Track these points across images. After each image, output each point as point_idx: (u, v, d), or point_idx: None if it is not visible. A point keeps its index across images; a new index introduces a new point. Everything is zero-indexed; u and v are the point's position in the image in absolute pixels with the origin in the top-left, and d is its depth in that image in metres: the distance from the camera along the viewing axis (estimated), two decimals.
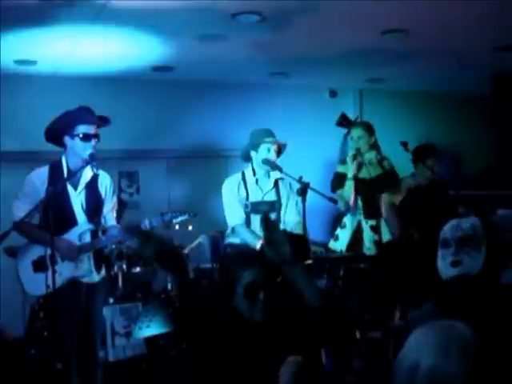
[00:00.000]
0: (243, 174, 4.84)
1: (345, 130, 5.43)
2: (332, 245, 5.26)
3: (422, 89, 7.56)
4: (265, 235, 2.57)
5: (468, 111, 8.00)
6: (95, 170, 4.04)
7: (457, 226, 2.38)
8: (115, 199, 4.20)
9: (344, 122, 5.37)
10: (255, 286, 2.62)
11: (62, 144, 3.95)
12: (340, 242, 5.22)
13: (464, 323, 1.45)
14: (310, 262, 2.75)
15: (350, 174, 5.12)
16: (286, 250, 2.43)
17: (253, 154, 4.78)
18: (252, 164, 4.82)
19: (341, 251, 5.11)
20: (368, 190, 5.18)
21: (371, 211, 5.20)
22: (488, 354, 1.40)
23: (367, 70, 6.45)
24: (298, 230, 4.80)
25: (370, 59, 5.84)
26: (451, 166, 7.73)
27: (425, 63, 6.11)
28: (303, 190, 4.19)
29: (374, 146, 5.24)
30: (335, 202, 4.50)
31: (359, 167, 5.17)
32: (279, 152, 4.82)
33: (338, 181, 5.26)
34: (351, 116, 7.56)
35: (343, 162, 5.26)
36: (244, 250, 4.47)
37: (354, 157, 5.11)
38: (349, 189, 5.13)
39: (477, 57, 5.85)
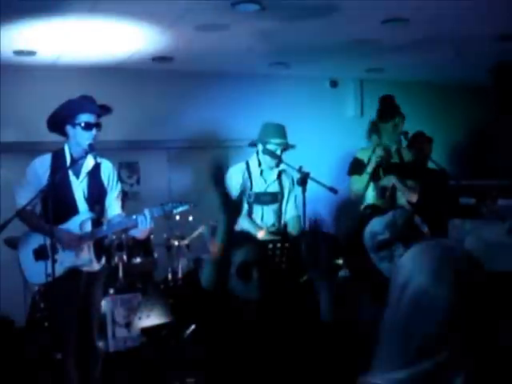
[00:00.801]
0: (247, 164, 4.85)
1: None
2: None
3: (423, 79, 7.54)
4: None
5: (469, 101, 7.98)
6: (97, 159, 4.05)
7: None
8: (119, 187, 4.20)
9: (391, 109, 5.25)
10: (248, 264, 2.61)
11: (64, 133, 3.96)
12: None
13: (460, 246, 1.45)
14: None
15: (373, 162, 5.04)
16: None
17: (260, 147, 4.78)
18: (258, 155, 4.82)
19: None
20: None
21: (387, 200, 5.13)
22: (481, 282, 1.38)
23: (367, 59, 6.43)
24: (294, 224, 4.82)
25: (371, 49, 5.81)
26: (452, 156, 7.73)
27: (425, 53, 6.08)
28: (303, 180, 4.20)
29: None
30: (335, 191, 4.48)
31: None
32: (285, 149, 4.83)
33: (358, 166, 5.17)
34: (352, 106, 7.61)
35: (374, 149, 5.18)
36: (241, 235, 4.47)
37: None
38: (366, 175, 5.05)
39: (478, 46, 5.81)
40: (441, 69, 6.95)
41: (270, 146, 4.72)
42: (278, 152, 4.73)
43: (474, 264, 1.41)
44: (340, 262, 2.90)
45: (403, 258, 1.47)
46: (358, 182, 5.09)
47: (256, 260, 2.64)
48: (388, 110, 5.21)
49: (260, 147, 4.78)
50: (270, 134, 4.77)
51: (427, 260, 1.40)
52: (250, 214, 4.79)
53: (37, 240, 3.89)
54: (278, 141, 4.73)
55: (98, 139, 3.96)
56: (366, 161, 5.14)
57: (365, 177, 5.05)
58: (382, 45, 5.64)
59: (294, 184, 4.88)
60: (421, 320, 1.35)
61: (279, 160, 4.68)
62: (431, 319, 1.34)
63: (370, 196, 5.11)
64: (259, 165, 4.82)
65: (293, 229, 4.82)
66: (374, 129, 5.25)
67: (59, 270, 3.78)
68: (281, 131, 4.81)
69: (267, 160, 4.75)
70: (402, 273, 1.43)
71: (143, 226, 3.91)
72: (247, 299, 2.60)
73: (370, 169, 5.03)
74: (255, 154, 4.86)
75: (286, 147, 4.80)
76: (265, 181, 4.84)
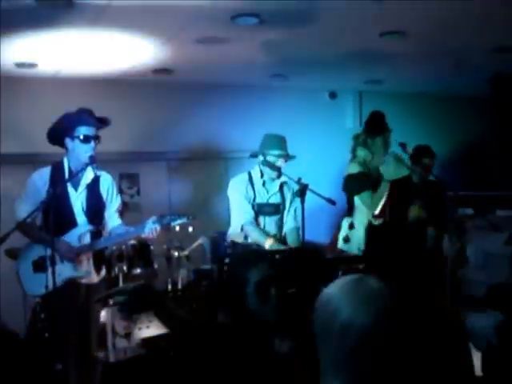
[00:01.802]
0: (250, 175, 4.87)
1: (351, 132, 5.37)
2: (344, 247, 5.10)
3: (422, 90, 7.58)
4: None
5: (467, 113, 8.02)
6: (96, 172, 4.07)
7: None
8: (119, 200, 4.23)
9: (382, 124, 5.18)
10: (266, 283, 2.61)
11: (63, 146, 3.99)
12: (354, 244, 5.10)
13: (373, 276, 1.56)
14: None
15: (389, 176, 4.93)
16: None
17: (261, 157, 4.80)
18: (260, 166, 4.85)
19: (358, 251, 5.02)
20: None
21: (380, 212, 5.14)
22: (396, 303, 1.52)
23: (366, 71, 6.47)
24: (293, 236, 4.84)
25: (369, 61, 5.86)
26: (450, 168, 7.75)
27: (424, 65, 6.12)
28: (302, 192, 4.21)
29: None
30: (333, 203, 4.49)
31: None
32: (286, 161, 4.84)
33: (360, 181, 5.06)
34: (351, 118, 7.64)
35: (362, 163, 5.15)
36: (250, 249, 4.48)
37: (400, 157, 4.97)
38: (382, 191, 4.96)
39: (476, 58, 5.86)
40: (439, 80, 6.99)
41: (269, 158, 4.74)
42: (279, 163, 4.74)
43: (388, 298, 1.53)
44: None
45: (329, 289, 1.58)
46: (373, 198, 4.97)
47: (274, 280, 2.64)
48: (378, 126, 5.19)
49: (261, 158, 4.81)
50: (270, 145, 4.79)
51: (345, 295, 1.54)
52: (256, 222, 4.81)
53: (36, 252, 3.92)
54: (277, 152, 4.75)
55: (98, 151, 3.98)
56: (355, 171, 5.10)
57: (380, 193, 4.95)
58: (381, 57, 5.67)
59: (294, 196, 4.90)
60: (342, 343, 1.50)
61: (279, 171, 4.70)
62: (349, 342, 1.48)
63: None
64: (261, 176, 4.84)
65: (292, 241, 4.83)
66: (361, 143, 5.18)
67: (57, 281, 3.79)
68: (281, 142, 4.82)
69: (268, 171, 4.78)
70: (327, 311, 1.55)
71: (150, 233, 3.95)
72: (264, 318, 2.59)
73: (385, 186, 4.94)
74: (257, 165, 4.88)
75: (287, 158, 4.82)
76: (267, 192, 4.86)
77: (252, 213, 4.76)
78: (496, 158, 7.47)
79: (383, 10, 4.20)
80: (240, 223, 4.75)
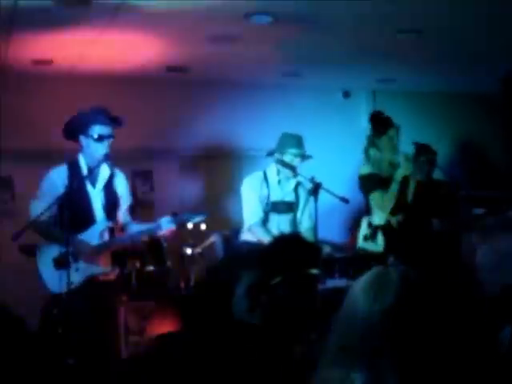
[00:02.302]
0: (265, 173, 4.89)
1: (365, 131, 5.37)
2: (366, 245, 5.10)
3: (435, 89, 7.55)
4: None
5: (482, 112, 7.97)
6: (112, 169, 4.11)
7: None
8: (130, 199, 4.26)
9: (382, 123, 5.18)
10: (257, 287, 2.51)
11: (78, 141, 4.02)
12: (379, 242, 5.11)
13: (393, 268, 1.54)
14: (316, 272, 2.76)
15: (399, 177, 4.94)
16: None
17: (278, 156, 4.81)
18: (276, 164, 4.86)
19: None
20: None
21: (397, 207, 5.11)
22: (412, 293, 1.46)
23: (380, 70, 6.45)
24: (309, 235, 4.84)
25: (383, 60, 5.85)
26: (464, 167, 7.72)
27: (438, 63, 6.10)
28: (315, 190, 4.22)
29: None
30: (347, 201, 4.50)
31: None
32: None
33: (372, 182, 5.08)
34: (365, 117, 7.61)
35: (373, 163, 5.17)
36: (252, 249, 4.51)
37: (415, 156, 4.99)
38: (393, 191, 4.96)
39: (489, 57, 5.83)
40: (453, 79, 6.96)
41: (286, 157, 4.76)
42: (295, 162, 4.76)
43: (410, 288, 1.48)
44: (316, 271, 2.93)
45: (356, 284, 1.57)
46: (384, 198, 4.96)
47: (266, 285, 2.52)
48: (379, 125, 5.19)
49: (277, 156, 4.82)
50: (288, 144, 4.81)
51: (363, 286, 1.50)
52: (265, 222, 4.83)
53: (57, 249, 3.93)
54: (295, 151, 4.77)
55: (112, 148, 4.01)
56: (374, 172, 5.12)
57: (391, 194, 4.95)
58: (395, 55, 5.67)
59: (309, 196, 4.90)
60: (361, 333, 1.44)
61: (294, 171, 4.71)
62: (371, 333, 1.43)
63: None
64: (278, 174, 4.86)
65: None
66: (371, 143, 5.20)
67: (79, 278, 3.83)
68: (298, 142, 4.84)
69: (285, 170, 4.79)
70: (352, 297, 1.51)
71: (166, 228, 3.97)
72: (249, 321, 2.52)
73: (399, 176, 4.94)
74: (273, 164, 4.89)
75: (304, 157, 4.83)
76: (282, 190, 4.87)
77: (261, 214, 4.78)
78: (509, 157, 7.42)
79: (398, 8, 4.20)
80: (249, 223, 4.78)
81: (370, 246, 5.08)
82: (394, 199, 4.94)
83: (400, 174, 4.94)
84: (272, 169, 4.88)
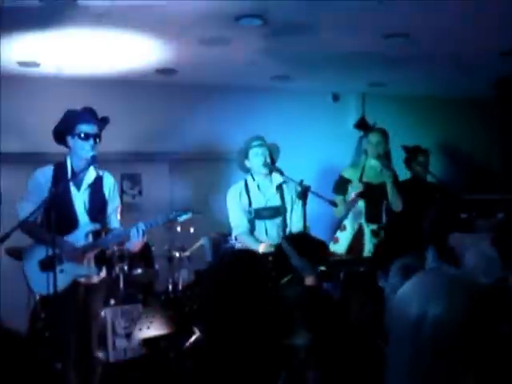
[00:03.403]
0: (245, 182, 4.89)
1: (358, 135, 5.44)
2: (332, 247, 5.26)
3: (425, 93, 7.57)
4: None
5: (471, 116, 8.00)
6: (99, 172, 4.08)
7: None
8: (118, 201, 4.23)
9: (363, 125, 5.33)
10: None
11: (66, 145, 4.00)
12: (341, 245, 5.24)
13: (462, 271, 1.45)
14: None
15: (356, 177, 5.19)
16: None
17: (246, 162, 4.84)
18: (250, 172, 4.87)
19: (341, 254, 5.13)
20: (372, 195, 5.20)
21: (373, 216, 5.22)
22: (491, 302, 1.39)
23: (369, 73, 6.46)
24: None
25: (373, 63, 5.85)
26: (453, 171, 7.74)
27: (427, 67, 6.11)
28: (304, 194, 4.22)
29: (387, 153, 5.27)
30: (335, 205, 4.51)
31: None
32: (272, 156, 4.86)
33: (343, 186, 5.30)
34: (354, 120, 7.63)
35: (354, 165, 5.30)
36: (243, 254, 4.49)
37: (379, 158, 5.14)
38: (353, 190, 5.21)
39: (480, 61, 5.85)
40: (443, 83, 6.98)
41: (251, 153, 4.76)
42: (261, 157, 4.75)
43: (482, 289, 1.42)
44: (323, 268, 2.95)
45: (405, 289, 1.47)
46: (340, 204, 5.16)
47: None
48: (361, 128, 5.31)
49: (247, 162, 4.84)
50: (247, 142, 4.84)
51: (439, 288, 1.40)
52: (252, 230, 4.82)
53: (43, 251, 3.91)
54: (256, 143, 4.78)
55: (99, 151, 3.98)
56: (352, 180, 5.21)
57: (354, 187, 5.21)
58: (384, 59, 5.67)
59: (297, 195, 4.90)
60: (444, 351, 1.35)
61: (280, 172, 4.69)
62: (455, 349, 1.34)
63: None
64: (254, 180, 4.86)
65: None
66: (359, 147, 5.35)
67: (65, 280, 3.81)
68: (256, 137, 4.88)
69: (257, 169, 4.79)
70: (414, 305, 1.41)
71: (134, 238, 3.92)
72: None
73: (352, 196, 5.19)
74: (249, 172, 4.91)
75: (272, 152, 4.84)
76: (263, 195, 4.85)
77: (246, 223, 4.78)
78: (499, 161, 7.46)
79: (387, 11, 4.20)
80: (234, 234, 4.79)
81: (336, 248, 5.20)
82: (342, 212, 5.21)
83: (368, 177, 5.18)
84: (249, 176, 4.89)
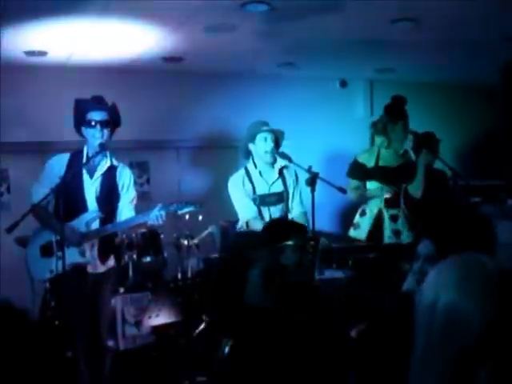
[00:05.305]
0: (246, 169, 4.87)
1: (366, 121, 5.43)
2: (352, 233, 5.27)
3: (433, 79, 7.53)
4: None
5: (479, 102, 7.96)
6: (114, 162, 4.12)
7: None
8: (134, 193, 4.26)
9: (403, 110, 5.27)
10: (271, 271, 2.61)
11: (82, 135, 4.06)
12: (361, 230, 5.21)
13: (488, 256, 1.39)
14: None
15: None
16: None
17: (251, 146, 4.81)
18: (252, 157, 4.85)
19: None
20: (390, 179, 5.18)
21: (392, 201, 5.19)
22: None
23: (377, 59, 6.43)
24: (301, 221, 4.82)
25: (381, 49, 5.81)
26: (461, 157, 7.71)
27: (436, 53, 6.07)
28: (312, 180, 4.20)
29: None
30: (344, 191, 4.48)
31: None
32: (277, 141, 4.83)
33: (358, 170, 5.30)
34: (362, 107, 7.61)
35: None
36: (253, 238, 4.49)
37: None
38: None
39: (489, 46, 5.80)
40: (451, 69, 6.93)
41: (259, 138, 4.73)
42: (269, 142, 4.72)
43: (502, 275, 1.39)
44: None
45: (428, 277, 1.45)
46: (355, 188, 5.25)
47: (278, 269, 2.65)
48: (400, 111, 5.21)
49: (252, 147, 4.80)
50: (255, 126, 4.81)
51: (453, 276, 1.38)
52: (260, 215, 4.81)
53: (45, 237, 3.97)
54: (264, 128, 4.75)
55: (109, 139, 4.01)
56: (367, 165, 5.19)
57: (363, 187, 5.27)
58: (393, 45, 5.63)
59: (297, 180, 4.89)
60: (457, 336, 1.32)
61: (288, 159, 4.67)
62: (467, 334, 1.32)
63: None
64: (255, 166, 4.83)
65: None
66: (379, 130, 5.25)
67: (66, 265, 3.83)
68: (263, 122, 4.84)
69: (262, 156, 4.77)
70: (428, 294, 1.40)
71: (158, 221, 3.96)
72: (265, 306, 2.59)
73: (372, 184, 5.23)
74: (251, 158, 4.88)
75: (277, 138, 4.81)
76: (266, 182, 4.84)
77: (254, 208, 4.76)
78: (506, 147, 7.40)
79: None
80: (244, 220, 4.76)
81: (356, 234, 5.17)
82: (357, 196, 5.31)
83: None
84: (250, 163, 4.87)
